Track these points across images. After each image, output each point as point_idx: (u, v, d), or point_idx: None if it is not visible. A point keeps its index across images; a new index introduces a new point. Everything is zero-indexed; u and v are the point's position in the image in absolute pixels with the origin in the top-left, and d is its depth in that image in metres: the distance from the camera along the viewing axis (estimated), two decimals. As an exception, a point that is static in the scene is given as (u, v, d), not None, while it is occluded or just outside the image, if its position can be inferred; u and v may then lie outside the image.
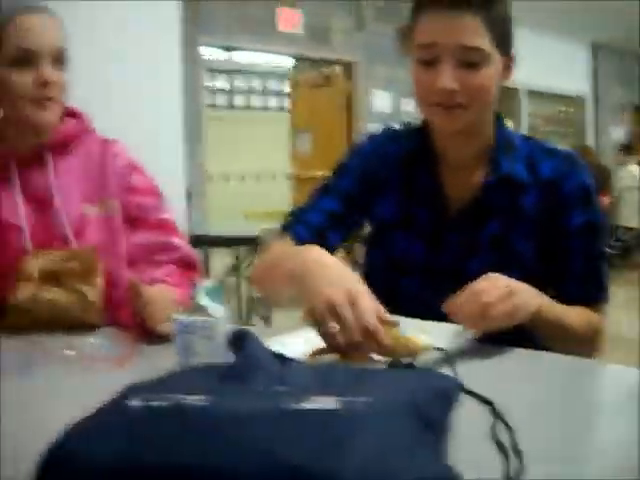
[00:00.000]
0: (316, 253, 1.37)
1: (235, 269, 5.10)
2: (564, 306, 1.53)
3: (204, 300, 1.23)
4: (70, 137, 1.87)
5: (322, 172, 8.50)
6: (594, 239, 1.62)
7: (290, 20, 8.41)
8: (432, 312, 1.43)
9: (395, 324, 1.23)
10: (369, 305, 1.20)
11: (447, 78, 1.47)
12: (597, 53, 13.36)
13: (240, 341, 0.97)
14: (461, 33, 1.47)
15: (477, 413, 1.02)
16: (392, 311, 1.30)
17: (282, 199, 10.71)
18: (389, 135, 1.77)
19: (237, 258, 5.27)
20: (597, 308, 1.63)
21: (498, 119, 1.67)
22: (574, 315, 1.56)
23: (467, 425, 0.92)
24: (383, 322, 1.19)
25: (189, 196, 7.14)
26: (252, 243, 4.75)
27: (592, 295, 1.63)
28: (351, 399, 0.69)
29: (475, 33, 1.47)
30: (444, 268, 1.62)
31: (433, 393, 0.82)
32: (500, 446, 0.89)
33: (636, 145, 11.63)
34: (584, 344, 1.58)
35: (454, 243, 1.62)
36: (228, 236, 4.80)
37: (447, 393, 0.88)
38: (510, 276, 1.43)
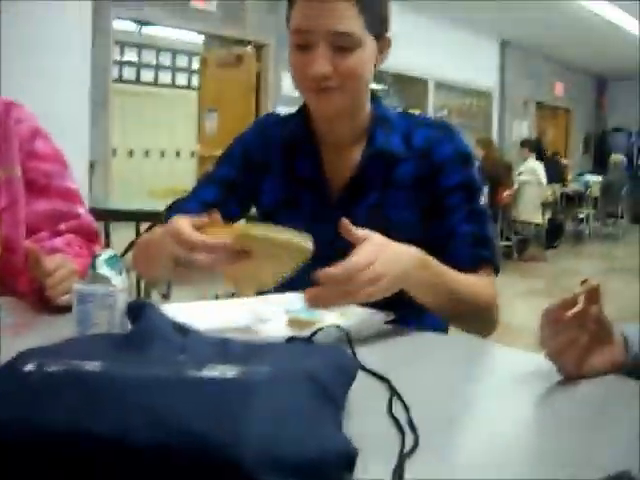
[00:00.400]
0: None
1: (132, 246, 5.03)
2: (451, 270, 1.51)
3: (103, 269, 1.21)
4: None
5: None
6: (471, 196, 1.64)
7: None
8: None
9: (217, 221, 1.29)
10: (176, 224, 1.27)
11: (320, 63, 1.49)
12: (505, 49, 13.64)
13: (139, 311, 0.96)
14: (333, 18, 1.48)
15: (374, 391, 1.03)
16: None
17: (187, 177, 10.61)
18: (272, 120, 1.80)
19: (138, 234, 5.19)
20: (488, 271, 1.62)
21: (374, 98, 1.70)
22: (466, 283, 1.54)
23: (363, 402, 0.94)
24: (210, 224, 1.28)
25: (92, 169, 7.02)
26: (154, 219, 4.69)
27: (479, 255, 1.61)
28: (250, 368, 0.69)
29: (347, 18, 1.49)
30: (327, 248, 1.64)
31: (332, 366, 0.82)
32: (396, 421, 0.90)
33: (539, 139, 11.94)
34: (479, 313, 1.57)
35: (335, 222, 1.64)
36: (129, 210, 4.72)
37: (346, 368, 0.89)
38: None
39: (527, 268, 9.56)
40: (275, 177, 1.72)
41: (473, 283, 1.56)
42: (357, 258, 1.30)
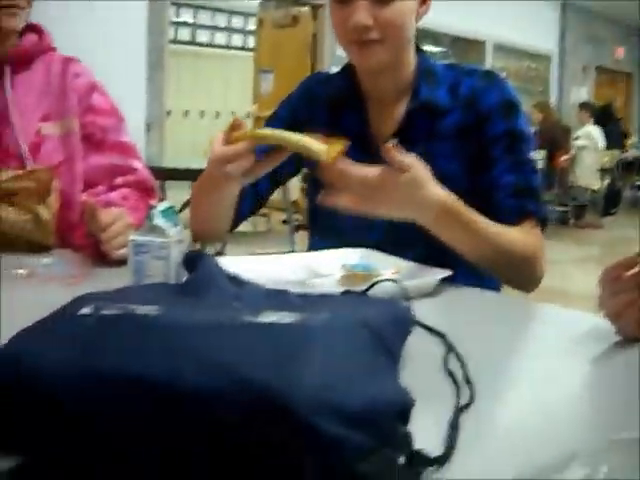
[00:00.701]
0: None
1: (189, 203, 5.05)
2: (486, 220, 1.47)
3: (159, 221, 1.22)
4: (30, 52, 1.82)
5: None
6: (516, 146, 1.60)
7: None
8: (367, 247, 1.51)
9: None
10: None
11: (361, 14, 1.47)
12: (566, 12, 13.36)
13: (195, 262, 0.96)
14: None
15: (429, 346, 1.02)
16: (334, 246, 1.55)
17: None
18: (317, 79, 1.82)
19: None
20: (533, 224, 1.59)
21: (420, 52, 1.68)
22: (505, 233, 1.50)
23: (419, 356, 0.93)
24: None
25: (148, 129, 7.06)
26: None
27: (523, 206, 1.58)
28: (307, 315, 0.68)
29: None
30: None
31: (389, 317, 0.81)
32: (452, 376, 0.89)
33: (610, 105, 11.70)
34: (522, 267, 1.54)
35: None
36: (184, 168, 4.73)
37: (402, 320, 0.88)
38: None
39: (583, 235, 9.45)
40: (321, 132, 1.70)
41: (514, 235, 1.52)
42: (376, 172, 1.32)
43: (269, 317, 0.67)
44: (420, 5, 1.58)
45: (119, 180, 1.85)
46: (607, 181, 10.48)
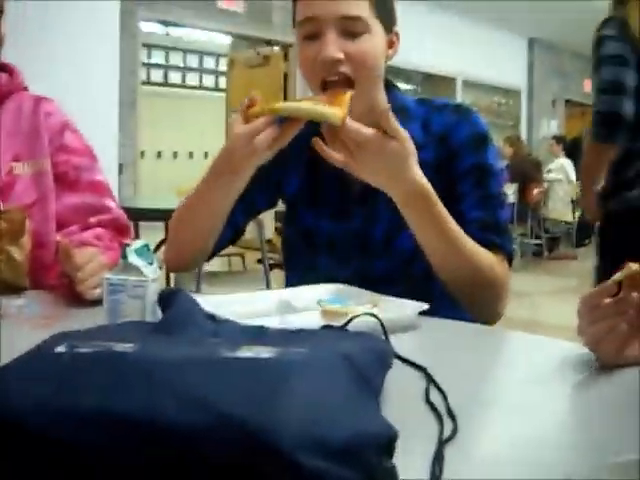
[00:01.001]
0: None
1: (163, 244, 5.02)
2: (463, 233, 1.48)
3: (134, 259, 1.20)
4: (1, 92, 1.80)
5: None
6: (486, 180, 1.60)
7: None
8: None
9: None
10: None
11: (330, 48, 1.46)
12: (533, 47, 13.55)
13: (171, 299, 0.94)
14: (341, 3, 1.48)
15: (409, 380, 1.01)
16: (309, 283, 1.53)
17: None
18: None
19: (167, 233, 5.19)
20: (499, 258, 1.57)
21: (390, 88, 1.67)
22: (472, 245, 1.49)
23: (399, 390, 0.92)
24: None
25: (121, 170, 7.05)
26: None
27: (489, 240, 1.55)
28: (287, 349, 0.67)
29: (355, 3, 1.48)
30: (351, 240, 1.63)
31: (369, 351, 0.80)
32: (433, 408, 0.88)
33: (579, 139, 11.83)
34: (486, 288, 1.52)
35: (358, 214, 1.64)
36: (158, 208, 4.70)
37: (382, 354, 0.87)
38: (411, 236, 1.50)
39: (558, 266, 9.50)
40: (299, 169, 1.70)
41: (483, 253, 1.51)
42: (369, 132, 1.35)
43: (248, 352, 0.66)
44: (388, 47, 1.58)
45: (93, 219, 1.82)
46: (579, 212, 10.55)
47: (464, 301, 1.54)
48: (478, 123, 1.64)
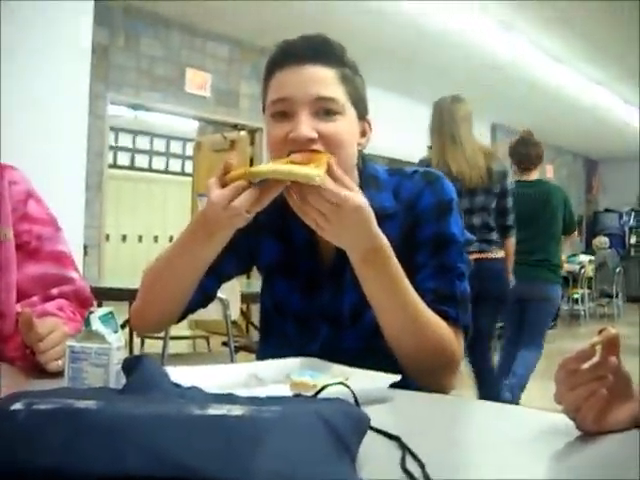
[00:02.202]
0: None
1: (128, 323, 4.94)
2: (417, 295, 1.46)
3: (98, 326, 1.16)
4: None
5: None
6: (441, 250, 1.57)
7: (198, 82, 8.40)
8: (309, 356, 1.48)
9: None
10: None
11: (304, 127, 1.44)
12: (495, 132, 13.80)
13: (136, 366, 0.90)
14: (315, 84, 1.47)
15: (383, 450, 0.97)
16: (281, 355, 1.50)
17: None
18: None
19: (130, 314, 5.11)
20: (455, 330, 1.52)
21: (363, 160, 1.65)
22: (428, 312, 1.47)
23: (374, 460, 0.88)
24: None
25: (85, 252, 6.99)
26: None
27: (446, 311, 1.51)
28: (259, 407, 0.64)
29: (329, 84, 1.48)
30: (320, 313, 1.61)
31: (344, 414, 0.77)
32: (411, 476, 0.84)
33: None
34: (439, 359, 1.48)
35: (328, 287, 1.62)
36: (123, 288, 4.63)
37: (357, 418, 0.83)
38: None
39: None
40: (272, 240, 1.68)
41: (438, 321, 1.48)
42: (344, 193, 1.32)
43: (218, 410, 0.62)
44: (361, 136, 1.57)
45: (54, 290, 1.77)
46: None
47: (413, 370, 1.49)
48: (444, 191, 1.61)
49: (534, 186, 5.50)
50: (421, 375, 1.49)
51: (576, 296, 12.53)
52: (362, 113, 1.56)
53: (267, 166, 1.35)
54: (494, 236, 4.45)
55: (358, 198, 1.33)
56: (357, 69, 1.56)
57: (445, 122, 4.50)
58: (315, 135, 1.44)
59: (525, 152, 5.67)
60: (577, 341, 10.06)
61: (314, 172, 1.29)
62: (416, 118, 11.55)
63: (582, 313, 12.44)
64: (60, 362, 1.37)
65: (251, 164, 9.27)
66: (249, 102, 9.02)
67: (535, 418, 1.25)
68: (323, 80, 1.48)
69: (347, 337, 1.59)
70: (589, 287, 12.59)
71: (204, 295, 1.69)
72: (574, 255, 13.60)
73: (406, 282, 1.44)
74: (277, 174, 1.32)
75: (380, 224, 1.54)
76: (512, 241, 4.60)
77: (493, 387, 4.62)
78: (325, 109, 1.46)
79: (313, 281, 1.63)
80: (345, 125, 1.49)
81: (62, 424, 0.57)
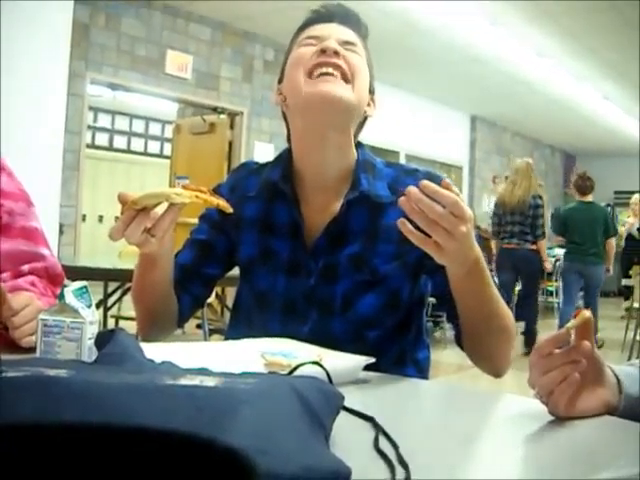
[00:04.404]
0: None
1: (102, 304, 4.94)
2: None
3: (72, 300, 1.15)
4: None
5: (195, 219, 8.44)
6: None
7: (179, 63, 8.34)
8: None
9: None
10: None
11: (332, 41, 1.54)
12: (475, 124, 13.81)
13: (109, 338, 0.89)
14: (342, 33, 1.59)
15: (356, 431, 0.97)
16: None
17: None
18: (248, 169, 1.77)
19: (106, 294, 5.10)
20: None
21: (359, 144, 1.67)
22: (501, 299, 1.49)
23: (347, 440, 0.87)
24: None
25: (61, 231, 6.94)
26: (122, 278, 4.59)
27: None
28: (233, 379, 0.63)
29: (354, 37, 1.61)
30: (308, 296, 1.59)
31: (318, 390, 0.76)
32: (384, 456, 0.84)
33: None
34: (508, 340, 1.53)
35: (316, 270, 1.60)
36: (97, 268, 4.60)
37: (331, 395, 0.83)
38: (377, 298, 1.55)
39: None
40: (251, 231, 1.67)
41: (507, 310, 1.50)
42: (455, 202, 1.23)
43: (191, 380, 0.61)
44: (367, 104, 1.63)
45: (25, 267, 1.73)
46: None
47: (483, 353, 1.54)
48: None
49: (588, 205, 8.45)
50: (490, 356, 1.54)
51: (551, 289, 12.59)
52: (371, 85, 1.65)
53: (144, 194, 1.36)
54: (528, 237, 7.95)
55: (469, 209, 1.27)
56: (369, 51, 1.67)
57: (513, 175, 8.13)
58: (342, 51, 1.54)
59: (582, 184, 8.49)
60: (552, 332, 10.06)
61: (177, 194, 1.33)
62: (397, 108, 11.60)
63: (556, 305, 12.50)
64: (34, 337, 1.35)
65: (230, 148, 9.24)
66: (230, 85, 8.97)
67: (509, 403, 1.26)
68: (349, 34, 1.61)
69: (337, 324, 1.58)
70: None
71: (194, 299, 1.72)
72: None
73: (493, 284, 1.45)
74: (149, 199, 1.35)
75: (379, 212, 1.55)
76: (542, 242, 8.05)
77: (533, 332, 8.28)
78: (349, 47, 1.57)
79: (297, 265, 1.61)
80: (363, 65, 1.59)
81: (33, 392, 0.56)
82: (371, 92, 1.64)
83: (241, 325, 1.71)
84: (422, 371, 1.66)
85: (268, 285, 1.63)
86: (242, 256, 1.69)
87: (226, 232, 1.69)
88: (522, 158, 8.46)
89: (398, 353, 1.62)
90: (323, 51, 1.52)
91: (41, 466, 0.50)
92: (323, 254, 1.59)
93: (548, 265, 8.82)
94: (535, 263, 8.15)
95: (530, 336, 8.24)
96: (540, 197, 7.98)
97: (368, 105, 1.63)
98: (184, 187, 1.36)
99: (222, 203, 1.36)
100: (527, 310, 8.44)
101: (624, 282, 9.85)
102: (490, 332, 1.48)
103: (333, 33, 1.58)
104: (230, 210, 1.38)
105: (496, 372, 1.55)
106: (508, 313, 1.50)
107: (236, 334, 1.64)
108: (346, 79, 1.53)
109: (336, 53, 1.52)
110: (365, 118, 1.65)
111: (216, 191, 1.70)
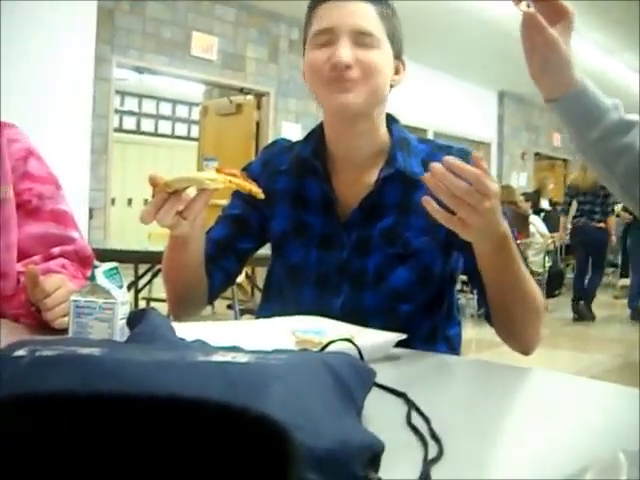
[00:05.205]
0: None
1: (133, 285, 4.97)
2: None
3: (103, 281, 1.15)
4: None
5: (227, 200, 8.46)
6: None
7: (205, 45, 8.34)
8: (332, 318, 1.47)
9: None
10: None
11: (344, 51, 1.49)
12: (503, 100, 13.70)
13: (141, 317, 0.90)
14: (356, 17, 1.53)
15: (389, 407, 0.97)
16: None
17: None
18: (280, 146, 1.78)
19: (137, 276, 5.13)
20: None
21: (393, 121, 1.68)
22: (529, 276, 1.49)
23: (380, 416, 0.87)
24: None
25: (91, 215, 6.99)
26: (152, 260, 4.61)
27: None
28: (265, 356, 0.63)
29: (369, 19, 1.53)
30: (341, 269, 1.61)
31: (350, 366, 0.76)
32: (416, 431, 0.84)
33: (538, 192, 11.94)
34: (537, 317, 1.52)
35: (349, 244, 1.61)
36: (127, 250, 4.62)
37: (363, 371, 0.82)
38: (409, 271, 1.56)
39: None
40: (283, 205, 1.69)
41: (535, 284, 1.50)
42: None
43: (224, 357, 0.61)
44: (394, 73, 1.61)
45: (56, 250, 1.75)
46: (549, 264, 10.58)
47: (512, 328, 1.54)
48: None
49: None
50: (523, 332, 1.54)
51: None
52: (397, 52, 1.61)
53: (178, 177, 1.36)
54: (595, 216, 8.75)
55: (495, 185, 1.28)
56: (395, 11, 1.61)
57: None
58: (353, 60, 1.50)
59: None
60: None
61: (210, 179, 1.33)
62: (424, 85, 11.54)
63: (586, 281, 12.43)
64: (66, 319, 1.36)
65: (257, 129, 9.24)
66: (255, 66, 8.97)
67: (541, 378, 1.26)
68: (364, 14, 1.53)
69: (369, 297, 1.60)
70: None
71: (226, 275, 1.73)
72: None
73: (519, 258, 1.44)
74: (182, 182, 1.35)
75: (412, 187, 1.55)
76: (611, 218, 8.92)
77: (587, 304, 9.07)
78: (363, 42, 1.52)
79: (330, 238, 1.63)
80: (381, 57, 1.56)
81: (66, 369, 0.56)
82: (398, 58, 1.62)
83: (273, 301, 1.73)
84: (453, 348, 1.67)
85: (301, 258, 1.65)
86: (275, 230, 1.71)
87: (259, 207, 1.70)
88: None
89: (430, 329, 1.62)
90: (335, 65, 1.50)
91: (76, 436, 0.50)
92: (356, 228, 1.61)
93: (614, 240, 9.31)
94: (602, 239, 8.94)
95: (582, 308, 9.12)
96: None
97: (396, 72, 1.62)
98: (217, 170, 1.35)
99: (254, 188, 1.37)
100: (590, 281, 9.26)
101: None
102: (518, 309, 1.48)
103: (346, 20, 1.52)
104: (262, 196, 1.39)
105: (524, 349, 1.55)
106: (537, 290, 1.49)
107: (268, 310, 1.66)
108: (362, 83, 1.51)
109: (348, 66, 1.50)
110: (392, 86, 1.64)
111: (248, 169, 1.74)
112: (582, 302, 9.18)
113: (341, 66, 1.49)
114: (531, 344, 1.54)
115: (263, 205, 1.68)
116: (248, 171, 1.72)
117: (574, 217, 9.18)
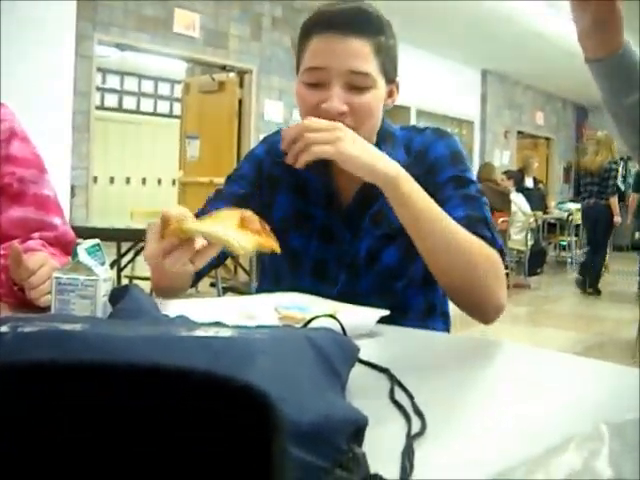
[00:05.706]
0: None
1: (116, 264, 4.95)
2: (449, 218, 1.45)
3: (85, 258, 1.15)
4: None
5: (209, 178, 8.51)
6: (463, 185, 1.59)
7: (187, 22, 8.29)
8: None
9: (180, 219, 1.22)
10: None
11: (336, 101, 1.48)
12: (486, 79, 13.71)
13: (123, 293, 0.89)
14: (351, 57, 1.49)
15: (372, 383, 0.97)
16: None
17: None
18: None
19: (119, 254, 5.11)
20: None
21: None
22: (463, 232, 1.45)
23: (364, 390, 0.88)
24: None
25: (73, 193, 6.95)
26: (135, 238, 4.60)
27: (482, 233, 1.51)
28: (248, 330, 0.63)
29: (364, 59, 1.50)
30: (338, 259, 1.64)
31: (333, 341, 0.76)
32: (399, 406, 0.84)
33: (521, 170, 11.96)
34: (486, 276, 1.46)
35: (344, 234, 1.64)
36: (110, 228, 4.61)
37: (347, 346, 0.83)
38: (398, 249, 1.57)
39: (510, 294, 9.51)
40: (286, 192, 1.70)
41: (475, 239, 1.47)
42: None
43: (207, 332, 0.61)
44: (388, 97, 1.61)
45: (36, 235, 1.72)
46: (531, 242, 10.63)
47: (458, 292, 1.50)
48: (455, 143, 1.67)
49: None
50: (467, 296, 1.49)
51: (563, 243, 12.58)
52: (392, 77, 1.61)
53: (200, 225, 1.23)
54: (603, 196, 9.28)
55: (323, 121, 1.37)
56: (392, 30, 1.59)
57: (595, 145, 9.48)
58: (346, 109, 1.49)
59: None
60: (564, 287, 10.14)
61: (243, 244, 1.19)
62: (407, 64, 11.52)
63: (569, 260, 12.51)
64: (50, 297, 1.35)
65: (240, 107, 9.20)
66: (238, 43, 8.92)
67: (523, 355, 1.27)
68: (358, 54, 1.50)
69: (364, 280, 1.62)
70: (576, 235, 12.59)
71: (216, 258, 1.68)
72: (562, 202, 13.63)
73: (437, 207, 1.43)
74: (206, 236, 1.23)
75: None
76: (613, 198, 9.32)
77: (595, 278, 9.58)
78: (357, 84, 1.50)
79: (330, 229, 1.65)
80: (375, 97, 1.54)
81: (49, 344, 0.56)
82: (391, 82, 1.62)
83: (268, 285, 1.73)
84: (451, 324, 1.70)
85: (301, 245, 1.67)
86: (276, 216, 1.69)
87: (261, 190, 1.70)
88: (602, 131, 9.62)
89: (426, 305, 1.66)
90: (327, 111, 1.48)
91: (59, 404, 0.50)
92: (353, 219, 1.64)
93: (617, 219, 9.50)
94: (606, 217, 9.39)
95: (590, 281, 9.62)
96: (615, 162, 9.46)
97: (390, 95, 1.63)
98: (240, 224, 1.24)
99: (275, 245, 1.25)
100: (596, 257, 9.66)
101: (638, 235, 10.02)
102: (453, 265, 1.45)
103: (340, 62, 1.49)
104: (279, 251, 1.27)
105: (481, 315, 1.51)
106: (472, 247, 1.45)
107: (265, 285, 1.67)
108: (355, 128, 1.46)
109: (340, 114, 1.49)
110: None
111: (252, 153, 1.77)
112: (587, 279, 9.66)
113: (333, 115, 1.47)
114: (485, 308, 1.50)
115: (265, 190, 1.70)
116: (252, 155, 1.75)
117: (582, 198, 9.70)
